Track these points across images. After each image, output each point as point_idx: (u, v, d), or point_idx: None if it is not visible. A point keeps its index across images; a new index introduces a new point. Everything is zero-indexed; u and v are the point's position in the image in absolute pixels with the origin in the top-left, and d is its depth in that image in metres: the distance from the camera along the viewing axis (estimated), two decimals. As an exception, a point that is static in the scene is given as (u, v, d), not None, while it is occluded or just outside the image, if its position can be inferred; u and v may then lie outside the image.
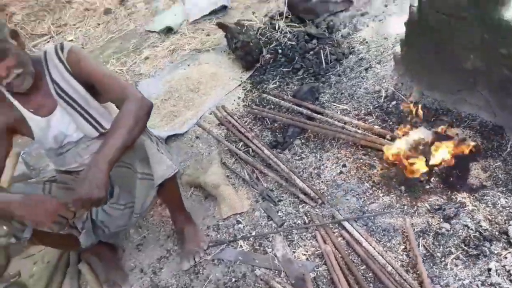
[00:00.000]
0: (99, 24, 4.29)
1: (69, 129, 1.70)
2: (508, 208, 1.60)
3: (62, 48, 1.63)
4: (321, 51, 2.55)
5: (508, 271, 1.43)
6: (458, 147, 1.67)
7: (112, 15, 4.33)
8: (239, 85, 2.66)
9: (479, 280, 1.45)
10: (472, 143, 1.69)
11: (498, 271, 1.44)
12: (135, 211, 1.74)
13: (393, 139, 1.88)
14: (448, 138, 1.72)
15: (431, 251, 1.58)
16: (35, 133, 1.66)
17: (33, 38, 4.48)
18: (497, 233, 1.55)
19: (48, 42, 4.38)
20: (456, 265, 1.52)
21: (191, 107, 2.60)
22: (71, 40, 4.21)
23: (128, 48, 3.51)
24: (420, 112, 1.83)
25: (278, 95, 2.41)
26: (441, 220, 1.64)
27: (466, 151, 1.66)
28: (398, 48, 2.13)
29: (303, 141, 2.23)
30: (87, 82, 1.65)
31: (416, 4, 1.73)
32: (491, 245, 1.52)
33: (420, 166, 1.71)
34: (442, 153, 1.70)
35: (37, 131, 1.66)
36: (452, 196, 1.69)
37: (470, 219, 1.61)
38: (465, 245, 1.54)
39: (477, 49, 1.56)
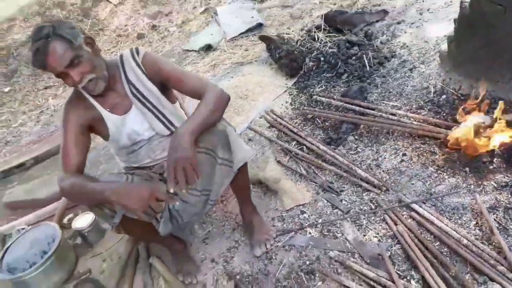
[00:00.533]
0: (133, 48, 4.49)
1: (142, 127, 1.81)
2: None
3: (137, 52, 1.76)
4: (364, 55, 2.69)
5: None
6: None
7: (145, 39, 4.54)
8: (285, 91, 2.79)
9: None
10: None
11: None
12: (210, 197, 1.83)
13: (452, 125, 1.98)
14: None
15: (503, 224, 1.65)
16: (110, 131, 1.78)
17: (69, 64, 4.67)
18: None
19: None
20: (531, 235, 1.59)
21: (241, 112, 2.73)
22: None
23: (168, 66, 3.68)
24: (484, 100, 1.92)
25: (329, 96, 2.54)
26: (509, 195, 1.72)
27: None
28: (443, 47, 2.27)
29: (356, 137, 2.33)
30: (162, 83, 1.78)
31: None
32: None
33: (483, 148, 1.80)
34: (502, 136, 1.80)
35: (113, 129, 1.78)
36: (516, 175, 1.78)
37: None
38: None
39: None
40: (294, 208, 2.12)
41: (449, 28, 2.62)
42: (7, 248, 2.21)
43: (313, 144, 2.34)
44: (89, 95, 1.75)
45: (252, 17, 3.67)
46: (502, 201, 1.72)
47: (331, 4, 3.47)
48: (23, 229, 2.51)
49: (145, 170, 1.95)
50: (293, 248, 1.92)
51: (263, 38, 3.05)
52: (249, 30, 3.58)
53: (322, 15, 3.13)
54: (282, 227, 2.05)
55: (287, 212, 2.12)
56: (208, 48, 3.60)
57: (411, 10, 2.97)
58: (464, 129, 1.88)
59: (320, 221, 2.00)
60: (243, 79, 2.84)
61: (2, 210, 2.84)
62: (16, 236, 2.38)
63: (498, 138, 1.82)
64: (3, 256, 2.16)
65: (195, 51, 3.70)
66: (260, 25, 3.60)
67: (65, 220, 2.44)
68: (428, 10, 2.89)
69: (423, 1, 2.99)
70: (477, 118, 1.89)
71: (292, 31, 3.32)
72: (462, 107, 1.98)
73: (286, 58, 2.78)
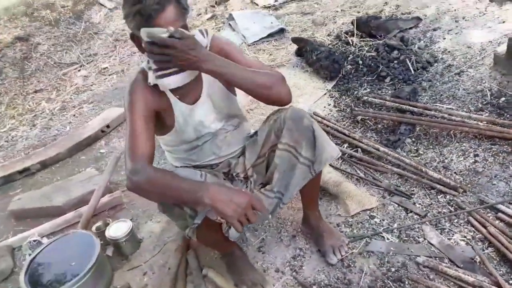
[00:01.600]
0: (134, 52, 4.26)
1: (209, 119, 1.65)
2: None
3: (207, 33, 1.59)
4: (407, 59, 2.64)
5: None
6: None
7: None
8: (325, 93, 2.68)
9: None
10: None
11: None
12: (283, 200, 1.65)
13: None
14: None
15: None
16: (177, 121, 1.60)
17: (62, 67, 4.38)
18: None
19: (79, 70, 4.29)
20: None
21: (280, 115, 2.58)
22: (105, 68, 4.14)
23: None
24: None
25: (380, 97, 2.44)
26: None
27: None
28: (500, 49, 2.25)
29: (413, 139, 2.24)
30: None
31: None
32: None
33: None
34: None
35: (180, 119, 1.60)
36: None
37: None
38: None
39: None
40: (361, 213, 1.98)
41: (490, 35, 2.64)
42: (30, 261, 1.91)
43: (369, 146, 2.22)
44: None
45: (272, 22, 3.58)
46: None
47: (354, 12, 3.43)
48: (35, 241, 2.21)
49: (207, 168, 1.76)
50: (371, 255, 1.77)
51: (297, 40, 2.95)
52: (270, 35, 3.47)
53: (353, 20, 3.07)
54: (352, 232, 1.89)
55: (352, 217, 1.97)
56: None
57: (445, 18, 2.97)
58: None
59: (395, 225, 1.86)
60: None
61: (6, 220, 2.51)
62: (32, 249, 2.09)
63: None
64: (26, 270, 1.86)
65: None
66: (282, 31, 3.50)
67: (93, 229, 2.16)
68: (463, 18, 2.90)
69: (455, 10, 3.00)
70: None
71: (319, 36, 3.24)
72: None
73: (327, 60, 2.68)
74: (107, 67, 4.15)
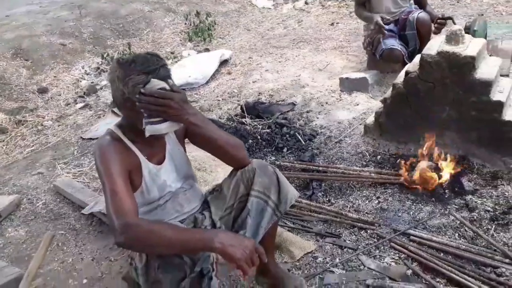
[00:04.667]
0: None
1: (170, 179, 1.81)
2: None
3: None
4: (296, 133, 3.19)
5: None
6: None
7: (11, 134, 3.93)
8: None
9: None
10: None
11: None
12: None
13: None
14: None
15: (475, 231, 2.21)
16: (145, 180, 1.71)
17: None
18: None
19: None
20: None
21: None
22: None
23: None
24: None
25: (290, 161, 2.86)
26: (468, 212, 2.33)
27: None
28: (368, 121, 2.98)
29: (322, 192, 2.67)
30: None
31: (400, 81, 2.64)
32: None
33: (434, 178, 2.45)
34: (446, 172, 2.49)
35: (148, 178, 1.72)
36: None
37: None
38: None
39: (452, 102, 2.51)
40: (304, 257, 2.23)
41: (352, 114, 3.43)
42: None
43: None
44: (131, 141, 1.65)
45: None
46: (466, 216, 2.30)
47: (235, 100, 3.93)
48: None
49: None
50: (329, 287, 2.01)
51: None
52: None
53: (242, 104, 3.57)
54: (304, 273, 2.12)
55: (298, 261, 2.21)
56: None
57: (312, 103, 3.70)
58: (420, 172, 2.48)
59: (337, 260, 2.17)
60: (197, 154, 2.87)
61: None
62: None
63: (445, 174, 2.49)
64: None
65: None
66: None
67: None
68: (326, 103, 3.67)
69: (317, 98, 3.77)
70: (425, 163, 2.54)
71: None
72: (403, 160, 2.63)
73: (235, 135, 3.01)
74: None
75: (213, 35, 6.24)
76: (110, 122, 3.77)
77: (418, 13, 3.63)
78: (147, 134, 1.55)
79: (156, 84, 1.51)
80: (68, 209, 2.71)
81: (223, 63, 4.89)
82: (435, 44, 2.49)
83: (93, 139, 3.54)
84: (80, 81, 4.99)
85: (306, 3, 7.31)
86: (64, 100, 4.54)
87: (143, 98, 1.50)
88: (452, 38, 2.38)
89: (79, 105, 4.36)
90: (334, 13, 6.29)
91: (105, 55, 5.42)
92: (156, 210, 1.76)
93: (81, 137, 3.63)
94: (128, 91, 1.54)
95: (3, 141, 3.83)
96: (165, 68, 1.57)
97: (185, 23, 6.64)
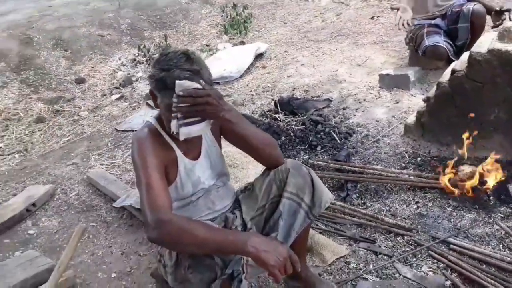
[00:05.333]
0: (35, 131, 3.93)
1: (205, 175, 1.77)
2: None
3: None
4: (331, 131, 3.09)
5: None
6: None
7: (49, 123, 4.03)
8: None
9: None
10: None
11: None
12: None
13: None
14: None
15: (524, 243, 2.06)
16: (180, 175, 1.68)
17: None
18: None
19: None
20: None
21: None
22: (0, 148, 3.72)
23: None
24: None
25: (324, 160, 2.77)
26: (516, 222, 2.18)
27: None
28: (409, 120, 2.85)
29: (357, 194, 2.57)
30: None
31: (446, 80, 2.50)
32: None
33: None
34: (491, 179, 2.34)
35: (183, 174, 1.69)
36: None
37: None
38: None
39: (502, 104, 2.35)
40: (336, 261, 2.15)
41: (391, 112, 3.29)
42: None
43: (325, 203, 2.47)
44: (166, 133, 1.63)
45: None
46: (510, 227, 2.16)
47: (268, 95, 3.87)
48: None
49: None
50: (361, 295, 1.93)
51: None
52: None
53: (276, 100, 3.50)
54: (335, 279, 2.04)
55: (330, 266, 2.13)
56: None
57: (349, 100, 3.58)
58: (463, 176, 2.35)
59: (371, 267, 2.08)
60: (228, 150, 2.83)
61: None
62: None
63: (491, 181, 2.34)
64: None
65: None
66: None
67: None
68: (364, 100, 3.55)
69: (355, 94, 3.65)
70: (468, 167, 2.39)
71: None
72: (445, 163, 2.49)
73: (268, 131, 2.96)
74: (1, 147, 3.72)
75: (249, 28, 6.19)
76: (144, 114, 3.81)
77: (474, 5, 3.43)
78: (181, 137, 1.51)
79: (189, 85, 1.47)
80: (100, 201, 2.74)
81: (258, 56, 4.83)
82: (486, 41, 2.33)
83: (127, 131, 3.58)
84: (117, 72, 5.06)
85: (345, -6, 7.14)
86: (100, 91, 4.61)
87: (181, 100, 1.46)
88: (505, 35, 2.22)
89: (115, 96, 4.42)
90: (375, 6, 6.09)
91: (141, 47, 5.46)
92: (188, 206, 1.74)
93: (115, 129, 3.67)
94: (149, 82, 1.54)
95: (41, 130, 3.93)
96: (182, 70, 1.48)
97: (222, 16, 6.60)
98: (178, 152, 1.66)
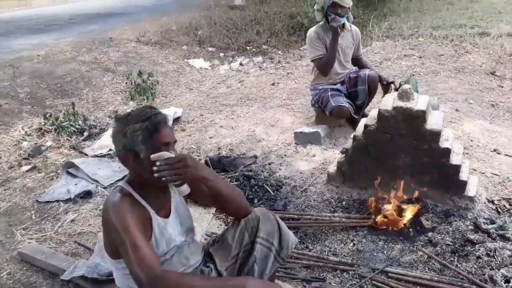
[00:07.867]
0: None
1: (175, 232, 1.90)
2: None
3: None
4: (264, 184, 3.35)
5: None
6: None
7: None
8: (212, 216, 3.03)
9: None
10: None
11: None
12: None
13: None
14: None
15: (442, 262, 2.48)
16: (155, 234, 1.78)
17: None
18: None
19: None
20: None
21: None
22: None
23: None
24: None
25: (265, 211, 2.98)
26: (432, 248, 2.61)
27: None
28: (331, 169, 3.25)
29: (299, 239, 2.81)
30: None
31: (360, 133, 2.97)
32: None
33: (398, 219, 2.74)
34: (408, 214, 2.78)
35: (157, 232, 1.79)
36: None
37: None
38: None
39: (407, 150, 2.86)
40: (291, 305, 2.32)
41: (311, 164, 3.68)
42: None
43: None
44: (140, 196, 1.72)
45: (120, 167, 3.74)
46: (431, 251, 2.58)
47: (196, 156, 4.01)
48: None
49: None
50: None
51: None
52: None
53: (207, 160, 3.67)
54: (299, 318, 2.21)
55: (289, 307, 2.29)
56: (87, 194, 3.38)
57: (272, 156, 3.91)
58: (387, 214, 2.75)
59: (327, 302, 2.29)
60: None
61: None
62: None
63: (407, 214, 2.78)
64: None
65: (62, 201, 3.35)
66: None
67: None
68: (285, 155, 3.90)
69: (275, 151, 4.00)
70: (389, 206, 2.82)
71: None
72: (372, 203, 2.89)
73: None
74: None
75: (155, 93, 6.36)
76: (66, 183, 3.64)
77: (369, 71, 4.15)
78: (182, 194, 1.73)
79: (164, 155, 1.62)
80: (37, 277, 2.53)
81: (175, 120, 5.00)
82: (389, 101, 2.87)
83: (51, 201, 3.38)
84: (21, 143, 4.76)
85: (241, 64, 7.79)
86: (6, 163, 4.28)
87: (161, 168, 1.60)
88: (404, 95, 2.78)
89: (25, 167, 4.14)
90: (273, 74, 6.78)
91: (47, 115, 5.24)
92: (163, 264, 1.77)
93: (36, 201, 3.44)
94: (128, 141, 1.64)
95: None
96: (161, 114, 1.70)
97: (126, 83, 6.66)
98: (151, 211, 1.74)
